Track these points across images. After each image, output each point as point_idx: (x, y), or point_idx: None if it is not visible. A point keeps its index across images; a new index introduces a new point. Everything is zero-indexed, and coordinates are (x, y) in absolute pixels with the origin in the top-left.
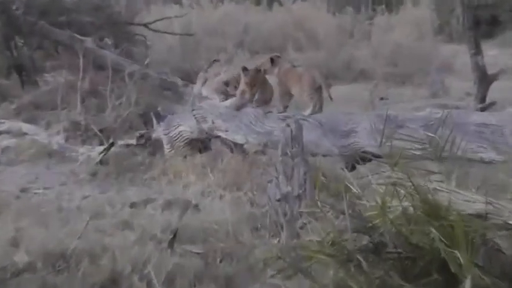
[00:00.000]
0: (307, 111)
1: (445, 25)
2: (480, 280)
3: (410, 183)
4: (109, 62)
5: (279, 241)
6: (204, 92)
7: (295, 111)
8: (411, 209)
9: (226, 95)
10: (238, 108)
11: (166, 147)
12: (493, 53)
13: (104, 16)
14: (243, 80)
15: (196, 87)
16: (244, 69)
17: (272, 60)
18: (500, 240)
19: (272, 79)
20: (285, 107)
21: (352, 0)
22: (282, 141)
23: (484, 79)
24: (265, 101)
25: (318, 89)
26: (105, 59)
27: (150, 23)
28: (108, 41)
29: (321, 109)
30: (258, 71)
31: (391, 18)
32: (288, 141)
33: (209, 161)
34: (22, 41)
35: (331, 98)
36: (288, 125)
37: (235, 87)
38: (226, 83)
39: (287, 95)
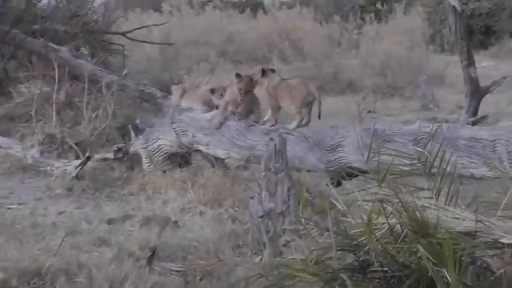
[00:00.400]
0: (292, 125)
1: (436, 35)
2: None
3: (397, 200)
4: (85, 72)
5: (261, 259)
6: (185, 104)
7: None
8: (398, 226)
9: (211, 106)
10: (220, 124)
11: (145, 162)
12: (486, 64)
13: (80, 24)
14: (236, 86)
15: (174, 99)
16: (238, 75)
17: (263, 72)
18: (490, 259)
19: (261, 91)
20: (276, 122)
21: (340, 8)
22: (265, 156)
23: (476, 91)
24: (246, 114)
25: (309, 104)
26: (81, 69)
27: (128, 32)
28: (84, 50)
29: (307, 124)
30: (251, 79)
31: (380, 28)
32: (272, 156)
33: (189, 176)
34: None
35: (319, 117)
36: (272, 139)
37: (221, 96)
38: (212, 91)
39: (277, 108)
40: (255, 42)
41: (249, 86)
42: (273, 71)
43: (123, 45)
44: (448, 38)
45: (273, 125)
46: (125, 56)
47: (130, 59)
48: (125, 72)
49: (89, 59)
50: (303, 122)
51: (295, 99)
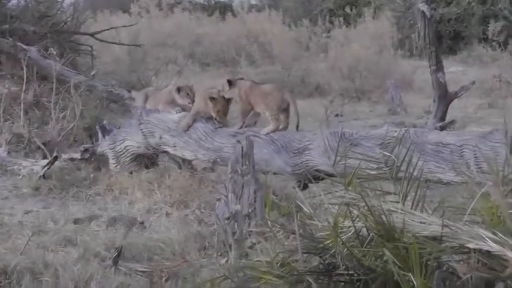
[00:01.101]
0: (267, 130)
1: (405, 40)
2: None
3: (364, 204)
4: (53, 72)
5: (227, 261)
6: (150, 108)
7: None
8: (364, 230)
9: (176, 106)
10: (188, 127)
11: (112, 162)
12: (454, 70)
13: (49, 25)
14: (213, 109)
15: (138, 104)
16: (229, 82)
17: (230, 83)
18: (456, 264)
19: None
20: (244, 124)
21: (309, 12)
22: (232, 158)
23: (445, 97)
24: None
25: (285, 109)
26: (50, 70)
27: (97, 33)
28: (53, 50)
29: (285, 129)
30: (227, 100)
31: (349, 32)
32: (238, 158)
33: (156, 177)
34: None
35: (297, 128)
36: (239, 142)
37: (187, 95)
38: (178, 89)
39: (247, 112)
40: (223, 45)
41: (226, 107)
42: (241, 79)
43: (91, 46)
44: (417, 43)
45: (240, 128)
46: (94, 57)
47: (98, 60)
48: (93, 73)
49: (58, 59)
50: (281, 127)
51: (270, 106)
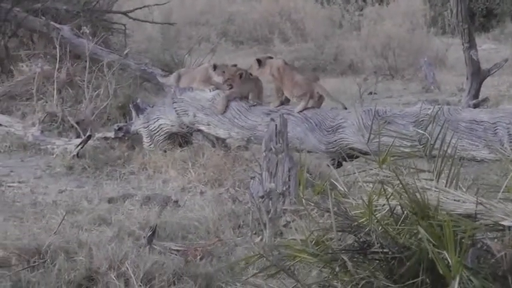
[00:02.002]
0: (299, 107)
1: (438, 17)
2: (468, 281)
3: (398, 182)
4: (86, 51)
5: (261, 239)
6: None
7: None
8: (399, 208)
9: (217, 85)
10: (225, 109)
11: (146, 141)
12: (487, 47)
13: (82, 3)
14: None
15: (171, 83)
16: (258, 60)
17: (259, 62)
18: (490, 242)
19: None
20: (282, 103)
21: None
22: (266, 137)
23: (478, 74)
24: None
25: (318, 98)
26: (83, 48)
27: (130, 11)
28: (86, 29)
29: (318, 107)
30: (239, 74)
31: (381, 9)
32: (272, 137)
33: (190, 155)
34: None
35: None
36: (273, 120)
37: (223, 72)
38: (214, 67)
39: (282, 91)
40: (256, 23)
41: (236, 79)
42: (270, 57)
43: (124, 25)
44: (450, 21)
45: (277, 106)
46: (126, 36)
47: (131, 39)
48: (126, 52)
49: (90, 38)
50: (309, 106)
51: (295, 94)
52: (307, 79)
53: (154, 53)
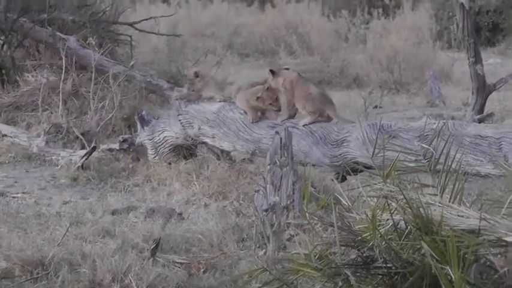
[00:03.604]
0: (304, 121)
1: (444, 31)
2: None
3: (402, 197)
4: (92, 62)
5: (265, 253)
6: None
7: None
8: (402, 223)
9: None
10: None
11: (151, 153)
12: (493, 62)
13: (88, 14)
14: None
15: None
16: (272, 71)
17: (273, 72)
18: (493, 257)
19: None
20: (290, 116)
21: (348, 3)
22: (271, 150)
23: (483, 89)
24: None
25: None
26: (89, 59)
27: (136, 23)
28: (92, 40)
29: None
30: (267, 90)
31: (387, 23)
32: (277, 150)
33: (194, 168)
34: (2, 39)
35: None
36: (278, 133)
37: (190, 84)
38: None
39: (293, 103)
40: (262, 36)
41: (274, 96)
42: (286, 69)
43: (130, 36)
44: (456, 35)
45: (285, 120)
46: (132, 47)
47: (137, 50)
48: (132, 63)
49: (96, 49)
50: (315, 121)
51: (307, 108)
52: (322, 96)
53: (160, 65)
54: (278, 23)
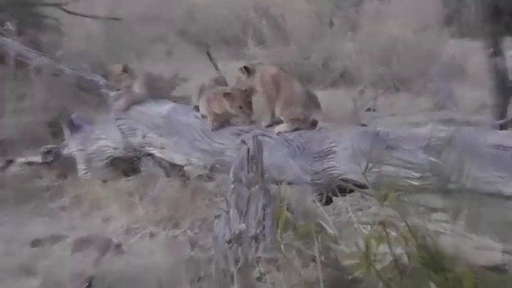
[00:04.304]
0: (279, 128)
1: (453, 15)
2: None
3: (404, 224)
4: (10, 52)
5: None
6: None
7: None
8: (405, 257)
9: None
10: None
11: (81, 168)
12: None
13: None
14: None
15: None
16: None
17: (248, 70)
18: None
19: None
20: (274, 118)
21: None
22: (235, 164)
23: (504, 87)
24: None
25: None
26: (6, 49)
27: (64, 4)
28: (10, 25)
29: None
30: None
31: (383, 5)
32: (244, 164)
33: (137, 187)
34: None
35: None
36: (244, 142)
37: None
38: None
39: (274, 101)
40: (224, 20)
41: (247, 99)
42: (259, 63)
43: (58, 20)
44: (468, 19)
45: (270, 124)
46: (60, 33)
47: (66, 37)
48: (59, 54)
49: (16, 36)
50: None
51: (289, 109)
52: (307, 97)
53: (96, 56)
54: (245, 3)
